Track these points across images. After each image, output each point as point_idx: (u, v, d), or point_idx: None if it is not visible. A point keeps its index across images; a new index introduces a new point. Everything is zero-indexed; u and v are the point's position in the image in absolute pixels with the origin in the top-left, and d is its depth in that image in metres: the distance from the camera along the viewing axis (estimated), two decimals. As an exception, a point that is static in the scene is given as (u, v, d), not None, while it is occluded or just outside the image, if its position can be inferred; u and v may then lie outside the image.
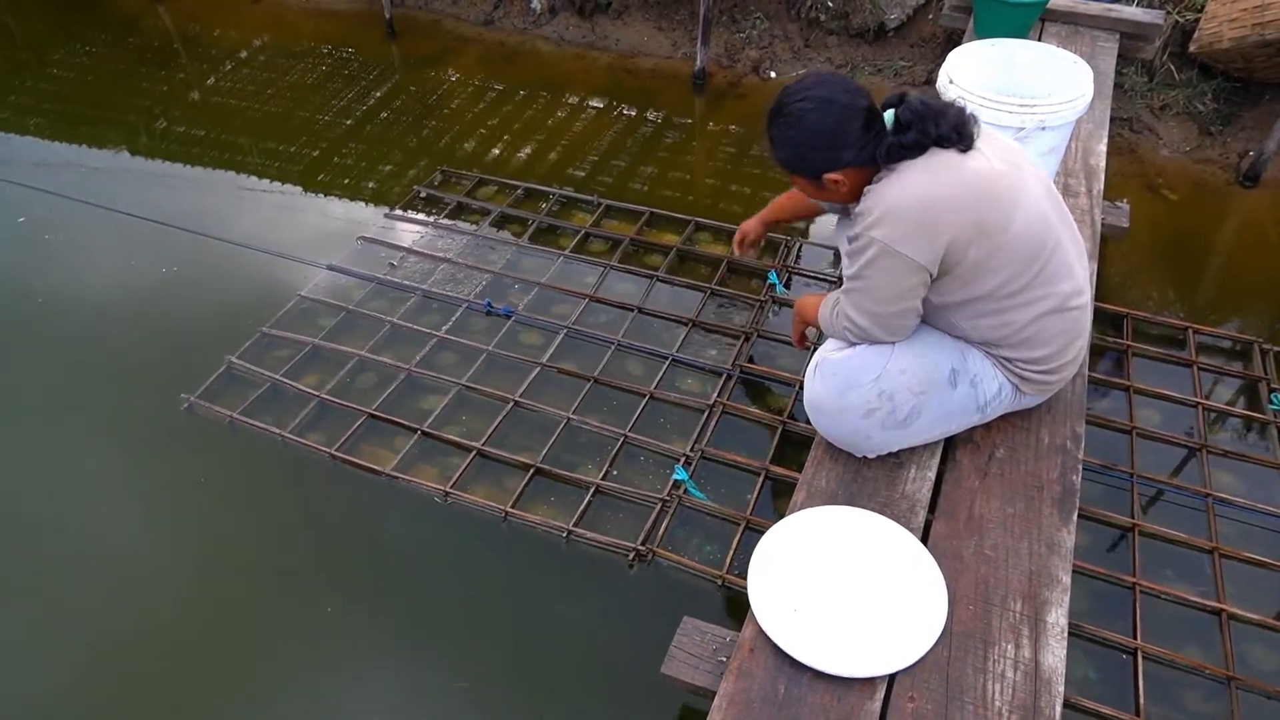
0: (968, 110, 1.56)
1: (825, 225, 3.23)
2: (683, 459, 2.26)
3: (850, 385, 1.70)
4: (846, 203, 1.66)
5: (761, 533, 1.70)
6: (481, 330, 2.75)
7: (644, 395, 2.46)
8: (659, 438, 2.34)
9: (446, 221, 3.29)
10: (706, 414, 2.39)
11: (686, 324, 2.71)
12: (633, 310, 2.78)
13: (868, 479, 1.78)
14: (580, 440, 2.36)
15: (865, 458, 1.81)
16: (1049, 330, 1.67)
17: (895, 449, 1.79)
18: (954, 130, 1.53)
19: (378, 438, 2.40)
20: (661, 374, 2.52)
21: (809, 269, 2.91)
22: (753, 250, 2.31)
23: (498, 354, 2.64)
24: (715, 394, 2.43)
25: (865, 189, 1.59)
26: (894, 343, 1.69)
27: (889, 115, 1.56)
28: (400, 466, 2.29)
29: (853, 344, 1.72)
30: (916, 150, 1.52)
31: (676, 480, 2.19)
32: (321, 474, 2.31)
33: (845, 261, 1.65)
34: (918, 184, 1.51)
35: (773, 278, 2.81)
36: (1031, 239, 1.57)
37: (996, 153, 1.57)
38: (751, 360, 2.53)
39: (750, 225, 2.25)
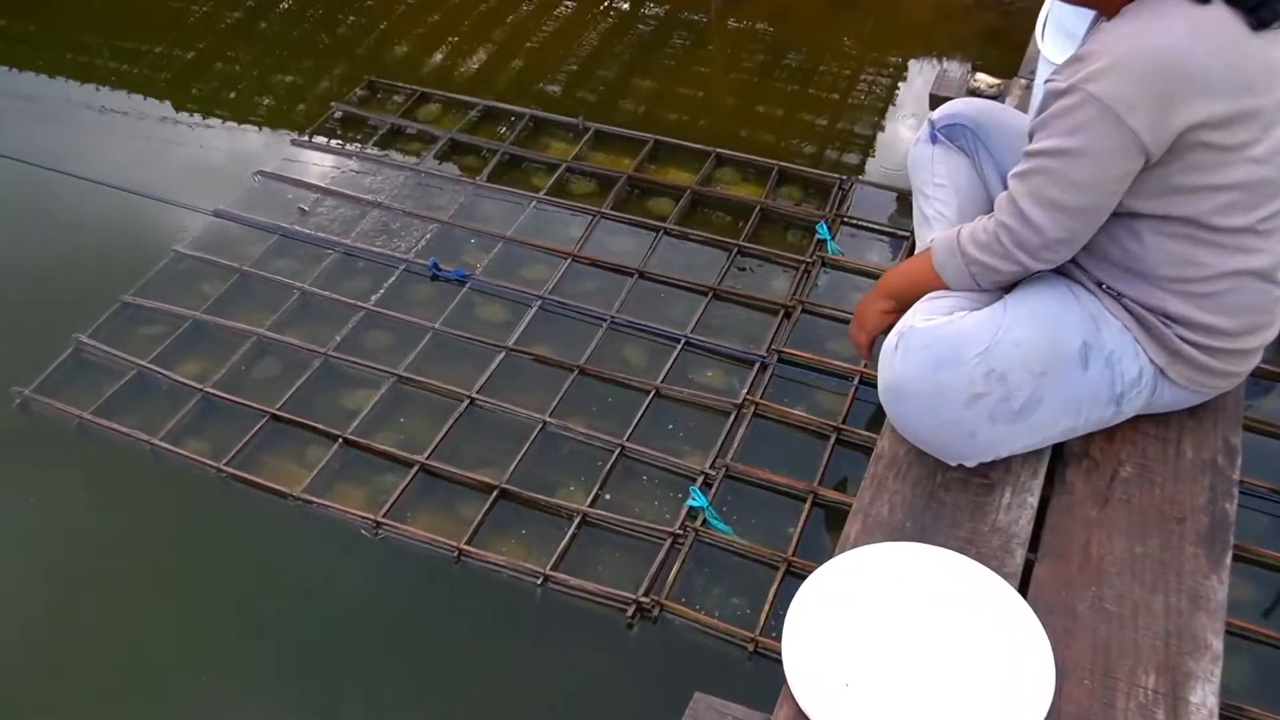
0: None
1: (887, 158, 3.24)
2: (700, 479, 2.27)
3: (948, 361, 1.72)
4: (1106, 11, 1.62)
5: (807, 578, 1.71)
6: (425, 301, 2.76)
7: (647, 391, 2.47)
8: (668, 449, 2.35)
9: (375, 152, 3.29)
10: (732, 417, 2.40)
11: (705, 294, 2.72)
12: (631, 275, 2.79)
13: (945, 505, 1.78)
14: (561, 452, 2.37)
15: (942, 479, 1.83)
16: (1240, 296, 1.69)
17: (1005, 453, 1.80)
18: None
19: (283, 447, 2.41)
20: (671, 362, 2.53)
21: (868, 219, 2.93)
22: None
23: (447, 334, 2.65)
24: (744, 389, 2.45)
25: (1097, 25, 1.55)
26: (1005, 303, 1.72)
27: None
28: (315, 487, 2.30)
29: (961, 307, 1.74)
30: None
31: (692, 508, 2.20)
32: (205, 496, 2.32)
33: (1034, 128, 1.64)
34: (1175, 37, 1.49)
35: (822, 231, 2.82)
36: None
37: None
38: (792, 344, 2.56)
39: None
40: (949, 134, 2.03)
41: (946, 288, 1.81)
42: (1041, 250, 1.68)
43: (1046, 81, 1.62)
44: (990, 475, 1.82)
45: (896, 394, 1.78)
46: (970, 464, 1.81)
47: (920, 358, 1.73)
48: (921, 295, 1.84)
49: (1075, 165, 1.58)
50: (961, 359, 1.70)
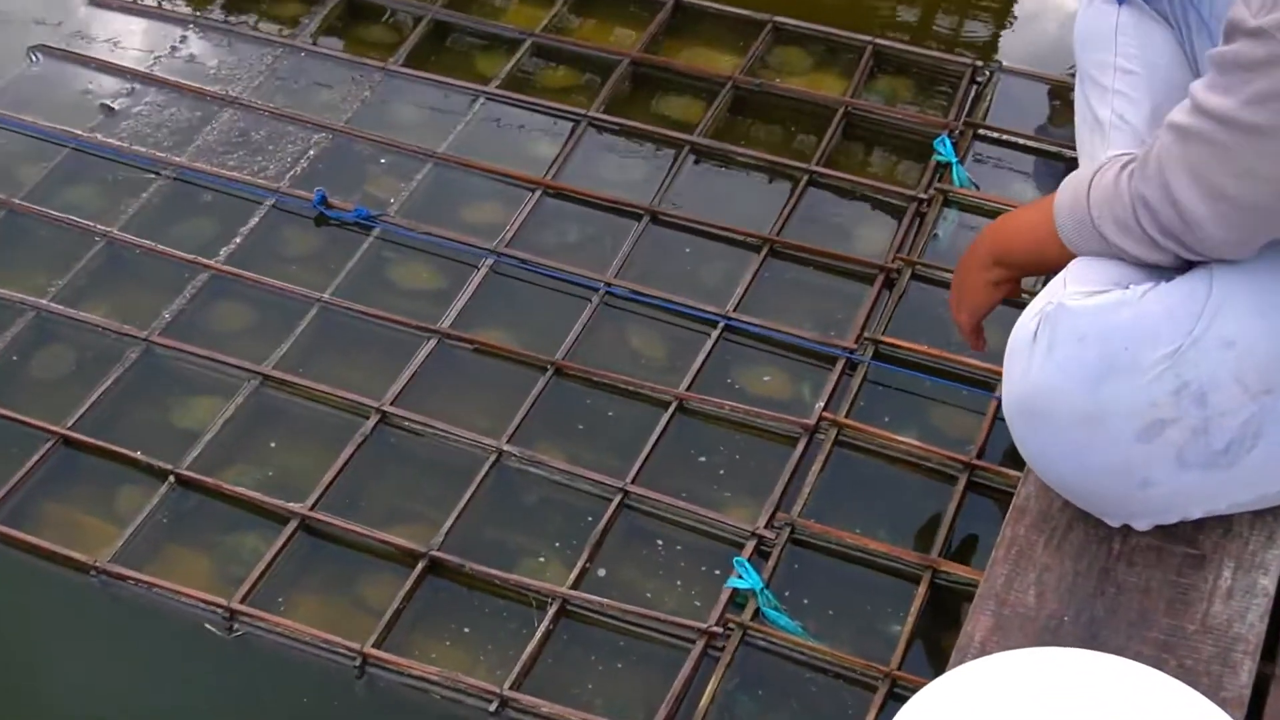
0: None
1: (1044, 31, 3.23)
2: (750, 544, 2.26)
3: (1118, 365, 1.72)
4: None
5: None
6: (307, 256, 2.77)
7: (665, 403, 2.47)
8: (698, 497, 2.34)
9: (226, 16, 3.27)
10: (802, 445, 2.39)
11: (756, 248, 2.72)
12: (639, 217, 2.79)
13: (1127, 590, 1.79)
14: (526, 500, 2.38)
15: (1121, 547, 1.83)
16: None
17: (1199, 512, 1.82)
18: None
19: (79, 489, 2.41)
20: (703, 358, 2.54)
21: (1017, 130, 2.93)
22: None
23: (342, 309, 2.64)
24: (820, 401, 2.44)
25: None
26: (1212, 273, 1.72)
27: None
28: (131, 554, 2.28)
29: (1127, 278, 1.75)
30: None
31: (738, 590, 2.19)
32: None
33: (1214, 60, 1.62)
34: None
35: (944, 149, 2.82)
36: None
37: None
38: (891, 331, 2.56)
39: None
40: None
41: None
42: (1201, 246, 1.69)
43: None
44: (1199, 542, 1.82)
45: (1032, 414, 1.80)
46: (1141, 526, 1.84)
47: (1073, 358, 1.74)
48: (1046, 261, 1.89)
49: (1259, 149, 1.58)
50: (1138, 364, 1.71)
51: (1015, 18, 3.30)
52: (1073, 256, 1.84)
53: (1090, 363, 1.72)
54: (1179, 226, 1.68)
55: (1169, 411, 1.71)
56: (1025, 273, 2.00)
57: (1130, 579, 1.78)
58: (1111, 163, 1.78)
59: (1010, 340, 1.82)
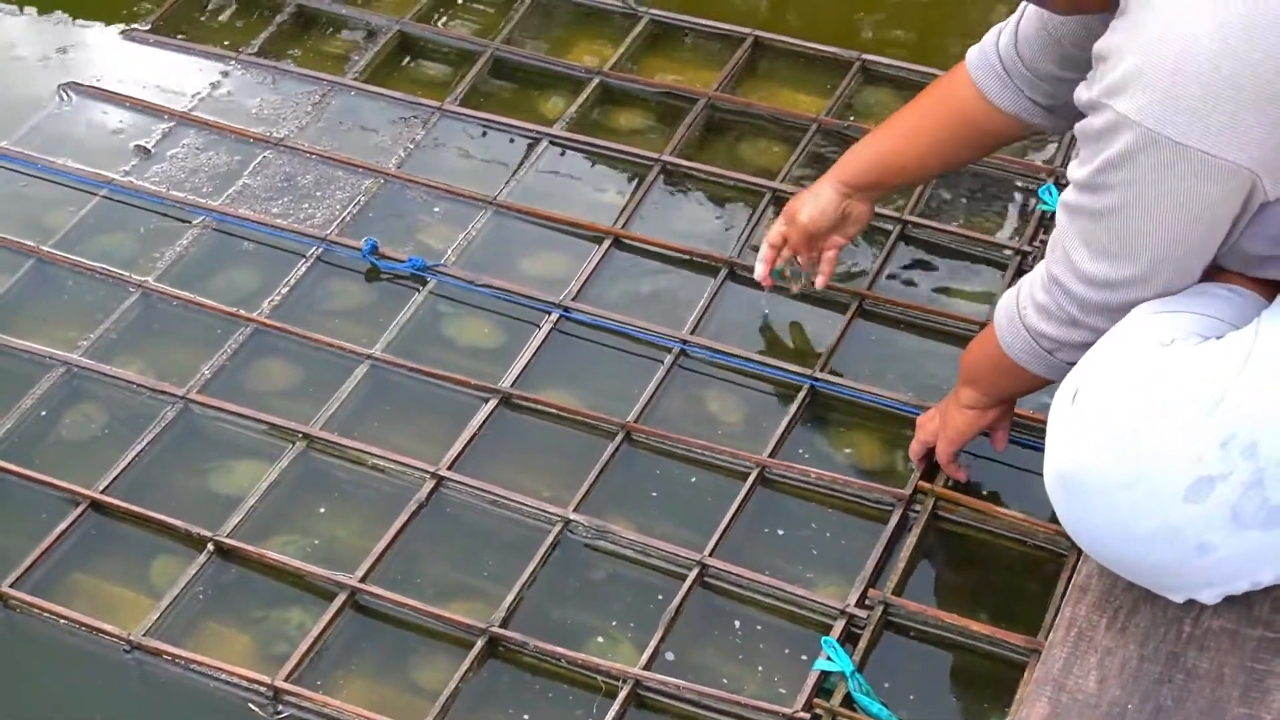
0: None
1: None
2: (840, 624, 2.24)
3: (1155, 419, 1.76)
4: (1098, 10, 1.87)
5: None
6: (356, 310, 2.78)
7: (745, 471, 2.46)
8: (782, 573, 2.33)
9: (254, 58, 3.29)
10: (895, 517, 2.38)
11: (845, 304, 2.72)
12: (718, 269, 2.79)
13: (1199, 677, 1.78)
14: (594, 574, 2.37)
15: (1192, 629, 1.84)
16: None
17: (1269, 579, 1.82)
18: None
19: (112, 559, 2.40)
20: (787, 420, 2.54)
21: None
22: (799, 275, 2.61)
23: (394, 368, 2.65)
24: (916, 471, 2.43)
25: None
26: (1260, 320, 1.78)
27: None
28: (168, 629, 2.28)
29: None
30: None
31: (826, 674, 2.17)
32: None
33: (1074, 161, 1.86)
34: (1219, 12, 1.65)
35: (1050, 198, 2.83)
36: None
37: None
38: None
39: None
40: None
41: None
42: (1114, 307, 1.86)
43: None
44: (1278, 625, 1.83)
45: (1069, 482, 1.84)
46: (1208, 599, 1.84)
47: (1105, 414, 1.79)
48: (1003, 375, 2.10)
49: (1126, 208, 1.79)
50: (1178, 416, 1.74)
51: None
52: (1021, 377, 2.06)
53: (1128, 419, 1.76)
54: (1095, 296, 1.87)
55: (1216, 466, 1.72)
56: (992, 395, 2.18)
57: (1201, 664, 1.78)
58: (1009, 293, 2.01)
59: (1051, 409, 1.88)
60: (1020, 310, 1.98)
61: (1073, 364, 1.91)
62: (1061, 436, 1.84)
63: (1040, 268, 1.96)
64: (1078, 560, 2.24)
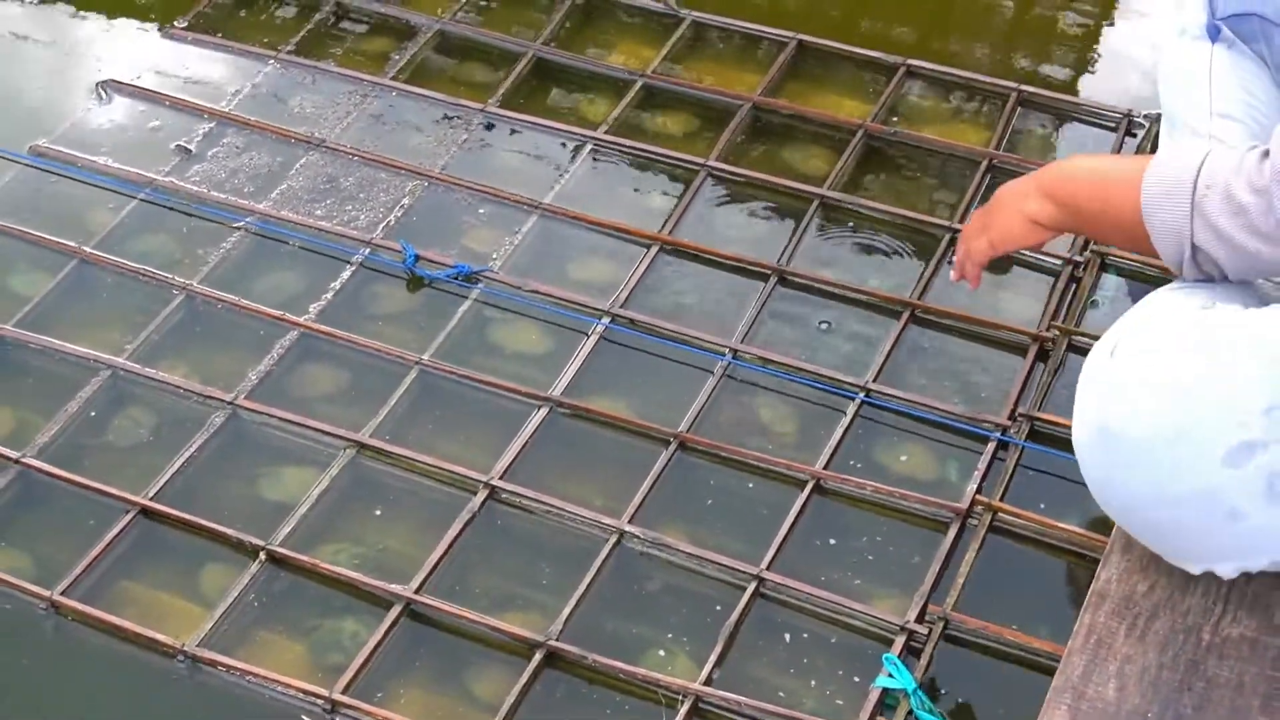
0: None
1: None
2: (900, 640, 2.25)
3: (1204, 376, 1.73)
4: None
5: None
6: (402, 315, 2.79)
7: (801, 482, 2.47)
8: (837, 584, 2.34)
9: (293, 56, 3.31)
10: (953, 531, 2.39)
11: (896, 313, 2.73)
12: (767, 276, 2.80)
13: (1216, 684, 1.76)
14: (649, 586, 2.38)
15: (1211, 637, 1.82)
16: None
17: None
18: None
19: (162, 567, 2.42)
20: (841, 433, 2.55)
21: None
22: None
23: (442, 373, 2.66)
24: (972, 484, 2.44)
25: None
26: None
27: None
28: (220, 638, 2.29)
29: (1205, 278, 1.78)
30: None
31: (887, 691, 2.18)
32: (21, 648, 2.32)
33: None
34: None
35: None
36: None
37: None
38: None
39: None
40: (1238, 29, 2.05)
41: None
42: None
43: None
44: None
45: (1109, 435, 1.78)
46: (1226, 571, 1.81)
47: (1155, 369, 1.75)
48: (1103, 215, 1.90)
49: None
50: (1227, 375, 1.71)
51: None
52: (1124, 227, 1.86)
53: (1173, 375, 1.73)
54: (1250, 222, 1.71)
55: (1259, 432, 1.69)
56: (1068, 223, 2.00)
57: (1222, 673, 1.76)
58: (1239, 146, 1.79)
59: (1086, 364, 1.83)
60: (1199, 191, 1.76)
61: (1198, 263, 1.79)
62: (1101, 390, 1.80)
63: (1251, 159, 1.74)
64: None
